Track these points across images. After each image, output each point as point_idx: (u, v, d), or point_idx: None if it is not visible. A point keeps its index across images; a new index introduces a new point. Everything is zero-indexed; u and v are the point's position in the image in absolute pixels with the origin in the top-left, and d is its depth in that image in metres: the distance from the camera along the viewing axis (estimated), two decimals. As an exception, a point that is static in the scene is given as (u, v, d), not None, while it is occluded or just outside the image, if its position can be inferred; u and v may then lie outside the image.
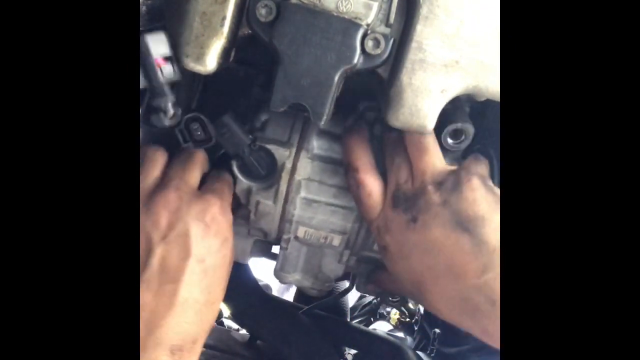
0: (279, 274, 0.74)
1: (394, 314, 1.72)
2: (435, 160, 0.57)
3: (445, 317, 0.57)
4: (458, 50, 0.49)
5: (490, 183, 0.56)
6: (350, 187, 0.62)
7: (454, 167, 0.57)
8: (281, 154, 0.63)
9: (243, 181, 0.64)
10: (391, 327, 1.68)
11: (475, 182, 0.54)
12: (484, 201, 0.53)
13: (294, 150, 0.64)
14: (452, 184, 0.55)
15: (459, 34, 0.49)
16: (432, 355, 1.12)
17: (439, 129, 0.59)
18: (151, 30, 0.51)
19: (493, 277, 0.51)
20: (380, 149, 0.63)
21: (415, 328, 1.55)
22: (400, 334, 1.57)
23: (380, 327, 1.66)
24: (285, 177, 0.64)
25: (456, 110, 0.60)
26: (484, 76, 0.51)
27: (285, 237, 0.69)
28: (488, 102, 0.55)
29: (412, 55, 0.49)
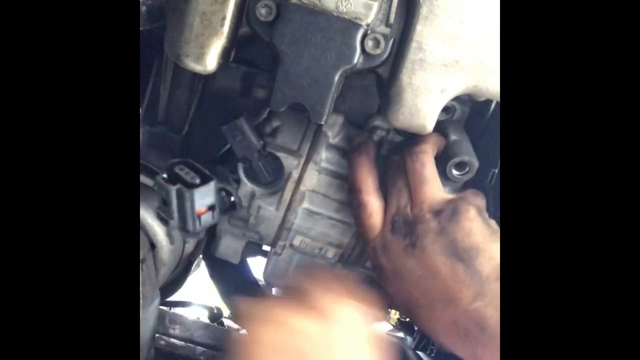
0: (268, 277, 0.74)
1: (394, 313, 1.72)
2: (434, 190, 0.58)
3: (438, 339, 0.59)
4: (458, 50, 0.49)
5: (486, 215, 0.58)
6: (352, 206, 0.63)
7: (452, 197, 0.59)
8: (289, 163, 0.63)
9: (247, 184, 0.64)
10: (391, 327, 1.68)
11: (472, 212, 0.56)
12: (479, 232, 0.55)
13: (302, 160, 0.63)
14: (450, 212, 0.56)
15: (458, 34, 0.49)
16: (432, 355, 1.12)
17: (443, 160, 0.60)
18: (202, 181, 0.52)
19: (484, 305, 0.53)
20: (384, 168, 0.63)
21: (415, 328, 1.55)
22: (400, 334, 1.56)
23: (380, 327, 1.65)
24: (290, 186, 0.64)
25: (462, 142, 0.61)
26: (484, 76, 0.51)
27: (280, 243, 0.69)
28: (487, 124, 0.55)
29: (412, 55, 0.49)
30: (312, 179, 0.64)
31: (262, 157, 0.62)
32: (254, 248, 0.78)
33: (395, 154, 0.62)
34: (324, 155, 0.64)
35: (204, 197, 0.53)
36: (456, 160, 0.59)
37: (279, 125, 0.64)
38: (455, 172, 0.60)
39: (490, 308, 0.52)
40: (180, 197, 0.52)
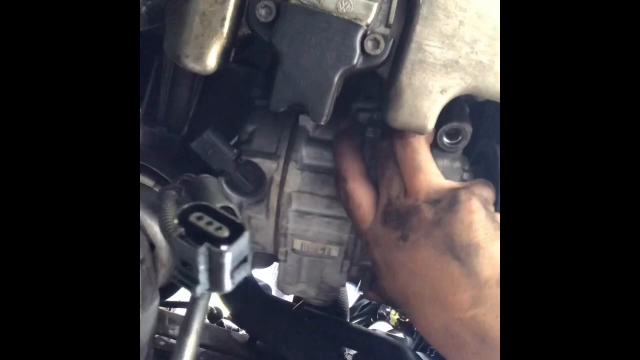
0: (281, 285, 0.71)
1: (394, 314, 1.73)
2: (430, 177, 0.53)
3: (431, 343, 0.54)
4: (457, 51, 0.49)
5: (492, 208, 0.52)
6: (339, 197, 0.59)
7: (454, 185, 0.53)
8: (268, 166, 0.61)
9: (234, 197, 0.62)
10: (391, 327, 1.68)
11: (475, 204, 0.50)
12: (481, 227, 0.48)
13: (281, 162, 0.61)
14: (448, 202, 0.50)
15: (458, 35, 0.49)
16: (432, 355, 1.12)
17: (435, 128, 0.56)
18: (233, 232, 0.39)
19: (482, 313, 0.47)
20: (373, 154, 0.60)
21: (415, 328, 1.55)
22: (400, 334, 1.57)
23: (380, 327, 1.66)
24: (274, 190, 0.61)
25: (454, 108, 0.57)
26: (483, 76, 0.51)
27: (282, 250, 0.67)
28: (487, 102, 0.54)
29: (412, 55, 0.49)
30: (296, 179, 0.62)
31: (239, 166, 0.60)
32: (267, 257, 0.76)
33: (383, 140, 0.57)
34: (305, 152, 0.62)
35: (239, 253, 0.40)
36: (446, 127, 0.56)
37: (254, 129, 0.62)
38: (446, 140, 0.56)
39: (490, 316, 0.47)
40: (212, 259, 0.39)
